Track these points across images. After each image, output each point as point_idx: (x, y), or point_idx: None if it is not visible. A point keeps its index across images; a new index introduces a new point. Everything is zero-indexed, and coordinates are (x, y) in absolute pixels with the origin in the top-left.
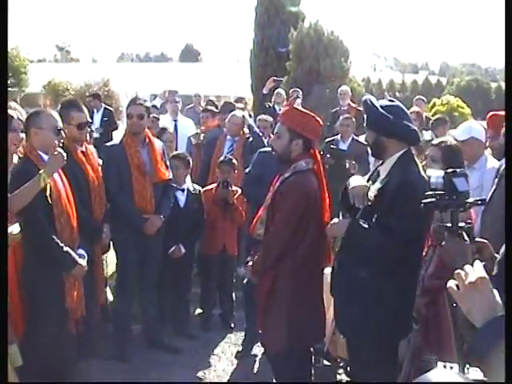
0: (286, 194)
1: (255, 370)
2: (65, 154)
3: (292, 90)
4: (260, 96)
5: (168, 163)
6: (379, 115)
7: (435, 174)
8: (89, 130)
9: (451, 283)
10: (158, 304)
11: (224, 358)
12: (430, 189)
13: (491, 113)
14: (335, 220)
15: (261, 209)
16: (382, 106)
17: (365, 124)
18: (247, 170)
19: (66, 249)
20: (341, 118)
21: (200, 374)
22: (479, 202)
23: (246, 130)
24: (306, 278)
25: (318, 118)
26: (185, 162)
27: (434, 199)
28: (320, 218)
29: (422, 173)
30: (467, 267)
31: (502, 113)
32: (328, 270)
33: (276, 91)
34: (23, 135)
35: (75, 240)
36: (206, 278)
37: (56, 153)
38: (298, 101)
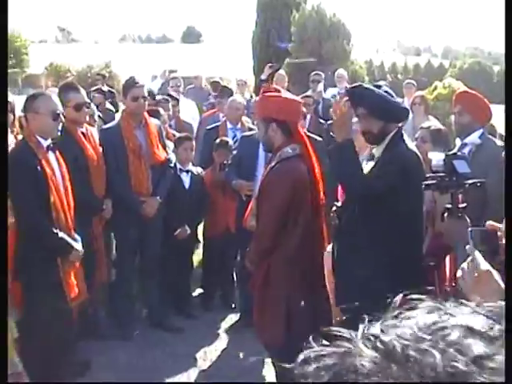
0: (272, 183)
1: (256, 348)
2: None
3: (314, 73)
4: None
5: (165, 143)
6: (391, 105)
7: (436, 157)
8: (88, 110)
9: (460, 274)
10: (160, 284)
11: (225, 337)
12: (432, 171)
13: (461, 90)
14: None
15: (252, 200)
16: (386, 93)
17: (367, 113)
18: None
19: (60, 235)
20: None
21: (201, 353)
22: (478, 184)
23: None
24: (300, 266)
25: (292, 98)
26: (191, 145)
27: (434, 181)
28: (312, 202)
29: (412, 147)
30: (471, 262)
31: (472, 92)
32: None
33: (277, 74)
34: (11, 116)
35: (70, 227)
36: (208, 259)
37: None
38: (320, 86)
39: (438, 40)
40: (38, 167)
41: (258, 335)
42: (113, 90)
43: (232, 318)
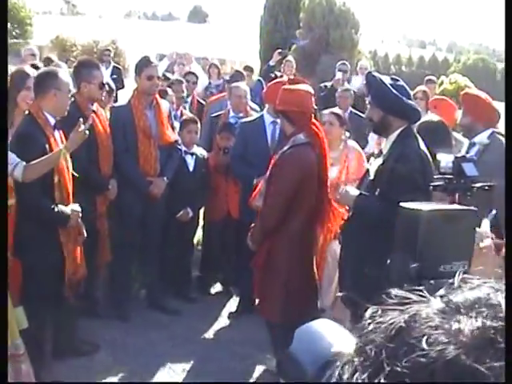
0: (282, 166)
1: (253, 333)
2: (87, 132)
3: (340, 63)
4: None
5: (174, 125)
6: (391, 96)
7: (445, 159)
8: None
9: None
10: (159, 266)
11: (222, 321)
12: (440, 172)
13: (465, 91)
14: (345, 189)
15: (261, 181)
16: (392, 86)
17: (371, 101)
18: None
19: (57, 209)
20: (339, 89)
21: (198, 337)
22: (486, 188)
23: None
24: (301, 250)
25: (302, 89)
26: (196, 127)
27: (442, 182)
28: (317, 191)
29: (422, 147)
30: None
31: (474, 93)
32: (335, 245)
33: (285, 59)
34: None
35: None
36: (208, 243)
37: (80, 129)
38: (339, 74)
39: (443, 34)
40: (47, 145)
41: (260, 311)
42: (119, 67)
43: (230, 302)
